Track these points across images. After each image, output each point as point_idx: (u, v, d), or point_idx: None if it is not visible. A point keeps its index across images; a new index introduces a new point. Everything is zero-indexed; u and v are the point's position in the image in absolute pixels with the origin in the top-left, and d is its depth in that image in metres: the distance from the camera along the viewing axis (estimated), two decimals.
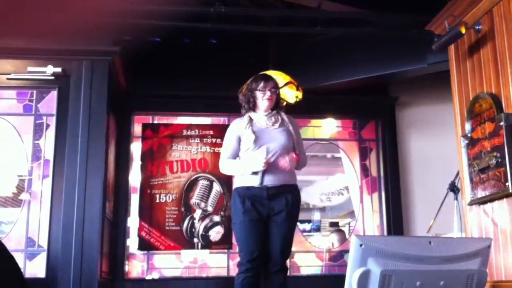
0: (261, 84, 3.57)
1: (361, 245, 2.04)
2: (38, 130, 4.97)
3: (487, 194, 3.72)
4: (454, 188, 4.19)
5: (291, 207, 3.49)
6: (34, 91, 5.05)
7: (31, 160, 4.90)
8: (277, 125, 3.57)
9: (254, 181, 3.45)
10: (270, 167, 3.44)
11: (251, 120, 3.57)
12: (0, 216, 5.43)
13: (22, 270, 4.01)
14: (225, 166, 3.60)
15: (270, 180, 3.46)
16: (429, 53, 5.05)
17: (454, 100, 4.26)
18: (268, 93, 3.56)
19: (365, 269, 2.03)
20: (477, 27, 3.93)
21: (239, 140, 3.58)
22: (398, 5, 4.96)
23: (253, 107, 3.60)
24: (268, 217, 3.46)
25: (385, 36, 5.44)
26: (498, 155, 3.60)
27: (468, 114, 3.99)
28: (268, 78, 3.65)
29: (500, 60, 3.69)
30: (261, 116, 3.58)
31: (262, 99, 3.56)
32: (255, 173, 3.41)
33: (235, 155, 3.60)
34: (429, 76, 5.70)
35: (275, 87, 3.63)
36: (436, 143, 5.91)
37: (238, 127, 3.59)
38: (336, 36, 5.71)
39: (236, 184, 3.59)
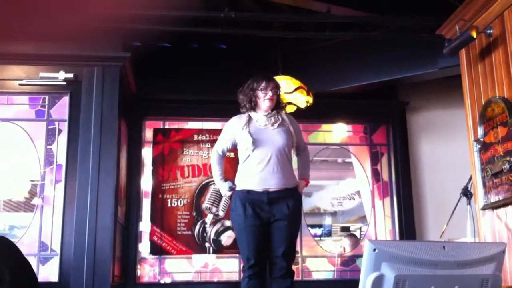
0: (263, 84, 3.57)
1: (374, 250, 2.03)
2: (51, 135, 5.00)
3: (501, 198, 3.70)
4: (467, 193, 4.16)
5: (293, 211, 3.47)
6: (46, 97, 5.08)
7: (44, 165, 4.93)
8: (276, 125, 3.56)
9: (254, 185, 3.47)
10: (270, 171, 3.45)
11: (250, 119, 3.58)
12: (13, 220, 5.47)
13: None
14: (212, 164, 3.73)
15: (271, 184, 3.46)
16: (440, 58, 5.04)
17: (466, 105, 4.24)
18: (270, 93, 3.56)
19: (378, 274, 2.02)
20: (488, 31, 3.92)
21: (233, 141, 3.61)
22: (409, 9, 4.95)
23: (254, 106, 3.60)
24: (269, 222, 3.46)
25: (395, 40, 5.44)
26: (511, 159, 3.58)
27: (480, 119, 3.98)
28: (270, 78, 3.65)
29: None
30: (261, 116, 3.58)
31: (264, 99, 3.56)
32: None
33: (227, 151, 3.71)
34: (440, 81, 5.69)
35: (277, 87, 3.63)
36: (448, 148, 5.89)
37: (234, 127, 3.60)
38: (346, 41, 5.72)
39: (236, 186, 3.58)
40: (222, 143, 3.67)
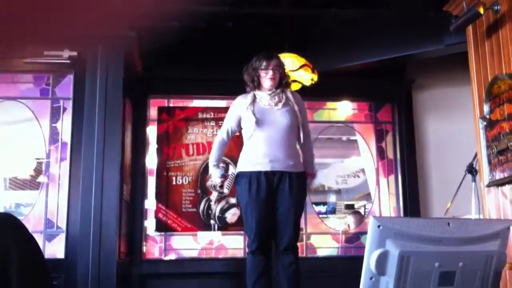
0: (264, 63, 3.56)
1: (379, 226, 2.03)
2: (55, 114, 5.01)
3: (506, 176, 3.70)
4: (472, 170, 4.17)
5: (297, 190, 3.50)
6: (51, 75, 5.08)
7: (49, 143, 4.96)
8: (280, 105, 3.55)
9: (258, 166, 3.47)
10: (273, 152, 3.44)
11: (255, 98, 3.57)
12: (19, 198, 5.52)
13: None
14: (213, 147, 3.73)
15: (274, 166, 3.47)
16: (447, 34, 4.98)
17: (472, 82, 4.21)
18: (270, 72, 3.55)
19: (383, 251, 2.02)
20: (496, 7, 3.87)
21: (239, 120, 3.61)
22: None
23: (257, 85, 3.60)
24: (274, 198, 3.47)
25: (401, 17, 5.38)
26: None
27: (487, 96, 3.95)
28: (271, 57, 3.62)
29: None
30: (264, 94, 3.57)
31: (265, 78, 3.56)
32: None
33: (232, 133, 3.69)
34: (446, 58, 5.63)
35: (279, 65, 3.61)
36: (453, 125, 5.87)
37: (240, 106, 3.61)
38: (352, 18, 5.66)
39: (240, 168, 3.59)
40: (227, 123, 3.67)
